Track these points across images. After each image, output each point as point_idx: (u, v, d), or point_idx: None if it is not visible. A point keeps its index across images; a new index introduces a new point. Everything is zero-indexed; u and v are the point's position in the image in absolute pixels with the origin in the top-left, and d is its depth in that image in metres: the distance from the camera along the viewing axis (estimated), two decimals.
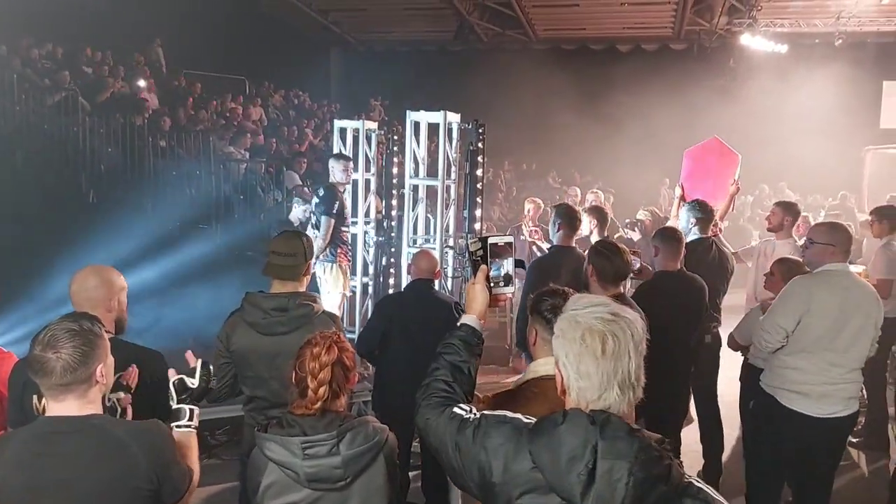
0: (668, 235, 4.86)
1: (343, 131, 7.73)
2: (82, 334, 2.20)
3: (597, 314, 1.69)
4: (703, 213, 5.47)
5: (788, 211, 5.88)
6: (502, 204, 15.89)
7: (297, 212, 7.97)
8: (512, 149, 18.41)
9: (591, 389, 1.66)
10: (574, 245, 5.52)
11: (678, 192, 6.82)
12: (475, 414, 1.85)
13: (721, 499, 1.65)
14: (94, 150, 10.17)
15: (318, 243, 6.66)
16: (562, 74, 17.66)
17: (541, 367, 2.42)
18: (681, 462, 1.65)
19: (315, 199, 6.90)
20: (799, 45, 16.94)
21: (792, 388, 3.86)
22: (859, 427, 6.24)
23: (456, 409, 1.88)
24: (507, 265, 2.18)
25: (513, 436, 1.72)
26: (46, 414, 2.22)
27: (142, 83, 12.24)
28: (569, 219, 5.47)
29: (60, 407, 2.19)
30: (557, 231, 5.44)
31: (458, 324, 2.09)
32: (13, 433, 2.30)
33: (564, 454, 1.60)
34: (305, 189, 11.21)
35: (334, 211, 6.74)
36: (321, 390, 2.36)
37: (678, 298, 4.58)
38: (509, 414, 1.81)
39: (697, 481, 1.65)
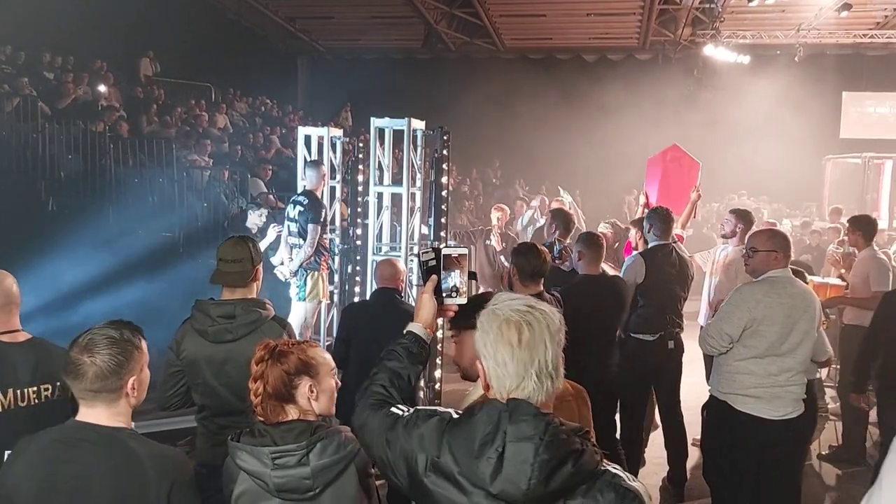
0: (592, 241, 4.99)
1: (308, 139, 7.67)
2: (121, 343, 2.19)
3: (513, 306, 1.74)
4: (663, 219, 5.50)
5: (742, 218, 5.95)
6: (469, 212, 15.90)
7: (254, 217, 7.88)
8: (479, 157, 18.49)
9: (509, 378, 1.70)
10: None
11: (642, 199, 6.90)
12: (410, 411, 1.89)
13: (636, 484, 1.68)
14: (54, 157, 9.97)
15: (304, 251, 6.64)
16: (529, 83, 17.80)
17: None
18: (601, 452, 1.69)
19: (298, 208, 6.80)
20: (761, 56, 17.30)
21: (746, 392, 3.93)
22: (835, 443, 6.17)
23: (393, 409, 1.92)
24: (458, 277, 2.20)
25: (438, 427, 1.77)
26: (77, 417, 2.22)
27: (103, 89, 12.06)
28: (565, 222, 5.99)
29: (91, 413, 2.20)
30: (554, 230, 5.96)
31: (404, 331, 2.13)
32: (45, 431, 2.26)
33: (477, 441, 1.65)
34: (270, 196, 11.11)
35: (321, 219, 6.72)
36: (255, 387, 2.37)
37: (602, 300, 4.78)
38: (440, 408, 1.85)
39: (615, 468, 1.70)
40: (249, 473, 2.30)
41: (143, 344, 2.27)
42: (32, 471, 2.13)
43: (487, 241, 8.22)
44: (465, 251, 2.25)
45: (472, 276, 2.27)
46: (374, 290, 4.77)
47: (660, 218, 5.46)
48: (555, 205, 8.70)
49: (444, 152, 6.79)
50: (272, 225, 7.39)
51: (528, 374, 1.68)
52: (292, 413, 2.36)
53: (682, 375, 5.54)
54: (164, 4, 13.78)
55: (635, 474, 5.40)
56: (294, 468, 2.26)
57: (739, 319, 3.89)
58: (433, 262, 2.18)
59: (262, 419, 2.35)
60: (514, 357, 1.69)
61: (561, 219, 6.18)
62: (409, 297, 6.81)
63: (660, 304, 5.21)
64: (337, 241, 7.61)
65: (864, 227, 6.05)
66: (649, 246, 5.45)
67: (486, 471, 1.62)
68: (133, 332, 2.24)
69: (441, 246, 2.30)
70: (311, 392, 2.39)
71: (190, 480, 2.28)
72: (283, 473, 2.26)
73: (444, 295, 2.17)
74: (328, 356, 2.51)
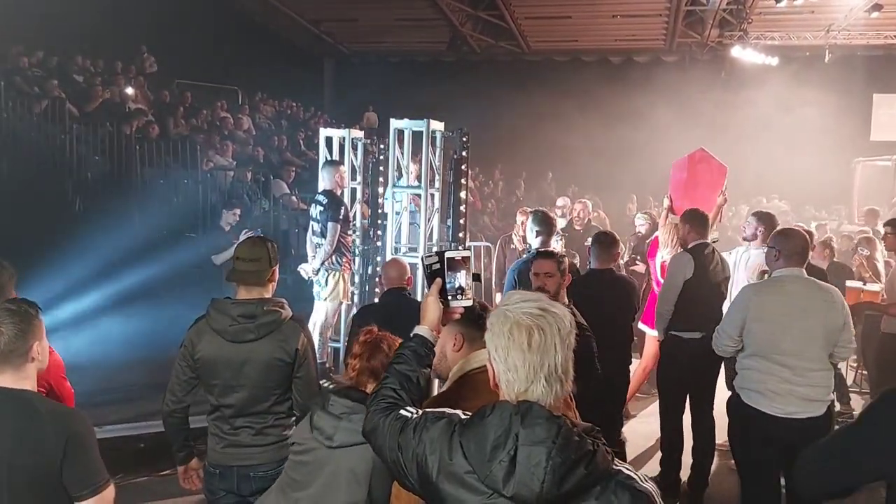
0: (600, 238, 5.29)
1: (329, 140, 7.70)
2: (20, 313, 2.48)
3: (525, 309, 1.74)
4: (698, 220, 5.44)
5: (762, 221, 5.85)
6: (493, 213, 15.87)
7: (228, 217, 8.05)
8: (504, 158, 18.45)
9: (519, 382, 1.72)
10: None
11: (666, 203, 6.80)
12: (418, 413, 1.90)
13: (649, 485, 1.68)
14: (81, 158, 10.14)
15: (324, 249, 6.67)
16: (554, 86, 17.70)
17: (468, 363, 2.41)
18: (613, 451, 1.69)
19: (319, 207, 6.84)
20: (790, 57, 17.04)
21: (753, 387, 3.99)
22: None
23: (402, 412, 1.93)
24: (463, 278, 2.22)
25: (447, 429, 1.77)
26: None
27: (131, 91, 12.23)
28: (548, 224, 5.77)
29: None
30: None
31: (411, 335, 2.15)
32: None
33: (489, 443, 1.66)
34: (293, 198, 11.18)
35: (340, 217, 6.73)
36: (354, 362, 2.69)
37: (604, 294, 4.97)
38: (448, 410, 1.86)
39: (627, 468, 1.70)
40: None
41: (40, 314, 2.56)
42: None
43: (512, 246, 8.17)
44: (468, 253, 2.28)
45: (476, 277, 2.27)
46: (384, 291, 4.76)
47: (697, 218, 5.41)
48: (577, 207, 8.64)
49: (464, 153, 6.76)
50: (244, 231, 7.51)
51: (537, 378, 1.70)
52: (370, 387, 2.62)
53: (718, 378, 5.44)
54: (191, 9, 13.95)
55: (674, 478, 5.31)
56: (334, 418, 2.55)
57: (735, 318, 4.06)
58: (437, 266, 2.21)
59: (349, 384, 2.70)
60: (525, 361, 1.70)
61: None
62: (419, 296, 6.79)
63: (704, 303, 5.15)
64: (358, 241, 7.63)
65: None
66: (690, 245, 5.37)
67: (498, 474, 1.63)
68: (30, 305, 2.54)
69: (444, 249, 2.32)
70: None
71: (86, 434, 2.50)
72: (325, 415, 2.56)
73: (449, 297, 2.19)
74: None
